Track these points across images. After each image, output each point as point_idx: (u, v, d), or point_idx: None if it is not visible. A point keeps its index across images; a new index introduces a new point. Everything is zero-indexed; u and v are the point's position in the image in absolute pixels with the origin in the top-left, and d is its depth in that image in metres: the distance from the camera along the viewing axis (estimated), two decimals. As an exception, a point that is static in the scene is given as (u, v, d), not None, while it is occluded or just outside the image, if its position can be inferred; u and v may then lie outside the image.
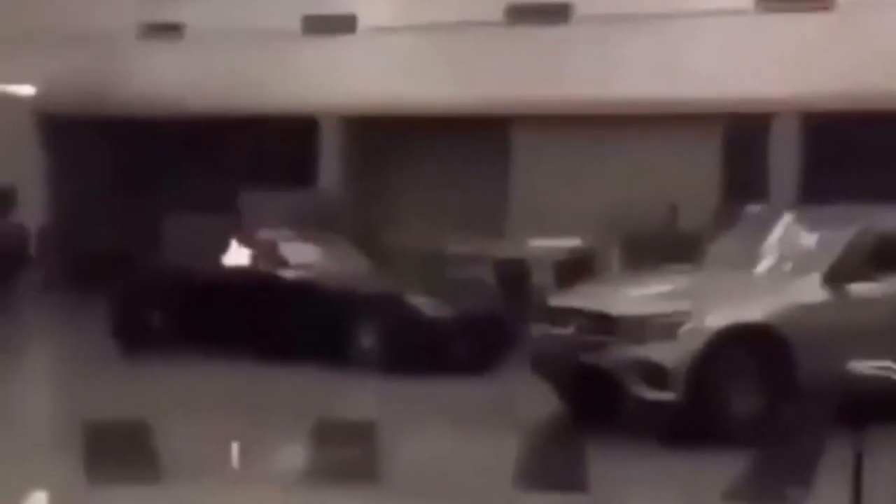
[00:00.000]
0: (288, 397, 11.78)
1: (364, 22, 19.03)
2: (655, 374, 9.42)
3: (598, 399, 9.99)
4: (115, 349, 13.89)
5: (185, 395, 11.83)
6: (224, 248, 14.53)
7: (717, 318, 9.54)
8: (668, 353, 9.40)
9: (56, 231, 20.76)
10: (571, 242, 15.74)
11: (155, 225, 16.82)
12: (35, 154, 21.58)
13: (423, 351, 12.82)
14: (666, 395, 9.39)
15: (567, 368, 10.08)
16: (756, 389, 9.52)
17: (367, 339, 13.05)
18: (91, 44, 20.42)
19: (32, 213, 20.04)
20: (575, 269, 14.29)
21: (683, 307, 9.68)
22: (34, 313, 18.83)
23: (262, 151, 19.85)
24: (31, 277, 19.16)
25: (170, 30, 20.51)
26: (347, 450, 8.88)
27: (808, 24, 15.98)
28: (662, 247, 13.57)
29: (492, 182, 18.02)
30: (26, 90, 20.90)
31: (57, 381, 13.72)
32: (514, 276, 15.30)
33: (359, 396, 12.35)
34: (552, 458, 9.30)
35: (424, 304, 13.17)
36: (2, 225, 18.94)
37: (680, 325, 9.48)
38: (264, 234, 14.74)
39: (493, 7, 17.84)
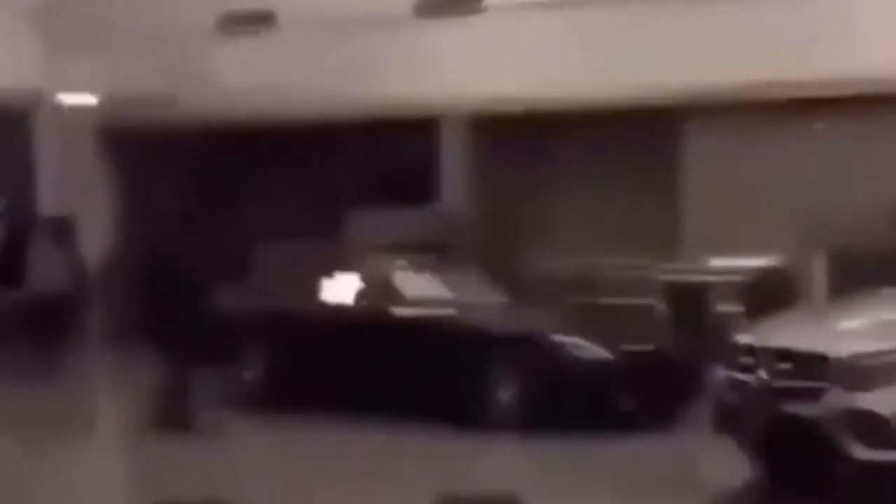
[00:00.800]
0: (406, 467, 11.81)
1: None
2: (878, 430, 9.18)
3: (803, 461, 9.75)
4: (191, 410, 13.91)
5: (275, 467, 11.97)
6: (325, 281, 14.63)
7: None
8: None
9: (121, 267, 21.00)
10: (764, 261, 15.38)
11: (241, 256, 16.91)
12: (98, 176, 21.87)
13: (576, 404, 12.65)
14: (892, 456, 9.15)
15: (762, 423, 9.89)
16: None
17: (505, 392, 12.96)
18: (165, 43, 20.68)
19: (93, 246, 20.29)
20: (768, 295, 14.06)
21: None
22: (95, 369, 19.18)
23: (371, 162, 20.04)
24: (91, 325, 19.46)
25: (259, 20, 20.63)
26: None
27: None
28: (882, 264, 13.25)
29: (660, 188, 17.87)
30: (88, 100, 21.14)
31: (125, 454, 13.79)
32: (691, 305, 15.13)
33: (496, 463, 12.34)
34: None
35: (577, 345, 13.06)
36: (57, 259, 19.24)
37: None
38: (374, 263, 14.79)
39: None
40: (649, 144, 17.92)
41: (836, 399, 9.33)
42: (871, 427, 9.17)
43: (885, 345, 9.43)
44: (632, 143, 18.07)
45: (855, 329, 9.99)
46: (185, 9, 20.80)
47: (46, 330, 18.21)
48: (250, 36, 20.68)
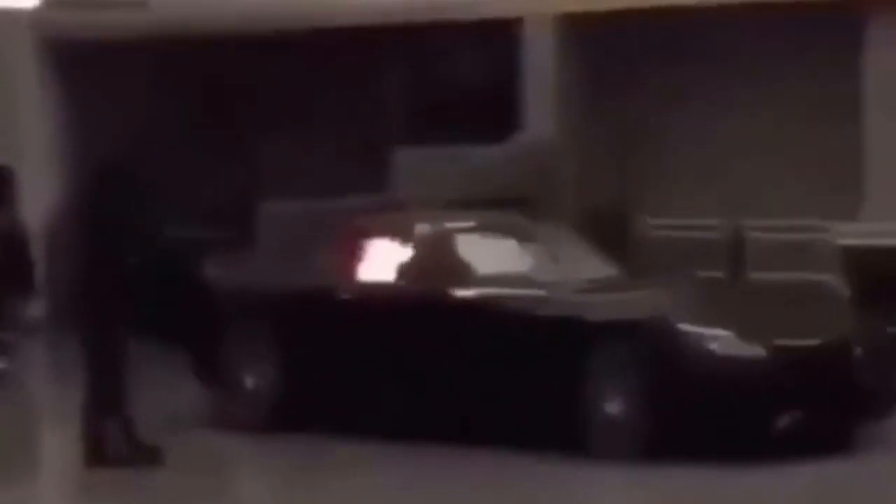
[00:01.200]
0: (488, 500, 11.94)
1: None
2: None
3: None
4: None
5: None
6: (359, 252, 14.61)
7: None
8: None
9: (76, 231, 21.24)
10: None
11: (237, 216, 17.01)
12: (39, 103, 22.06)
13: (715, 421, 12.69)
14: None
15: None
16: None
17: (614, 404, 12.97)
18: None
19: (36, 200, 20.50)
20: None
21: None
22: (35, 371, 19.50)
23: (425, 79, 20.17)
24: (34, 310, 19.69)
25: None
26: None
27: None
28: None
29: (833, 111, 17.90)
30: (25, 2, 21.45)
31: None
32: (880, 281, 14.86)
33: (604, 495, 12.41)
34: None
35: (717, 336, 12.97)
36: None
37: None
38: (431, 222, 14.87)
39: None
40: (817, 45, 18.07)
41: None
42: None
43: None
44: (790, 44, 18.28)
45: None
46: None
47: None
48: None
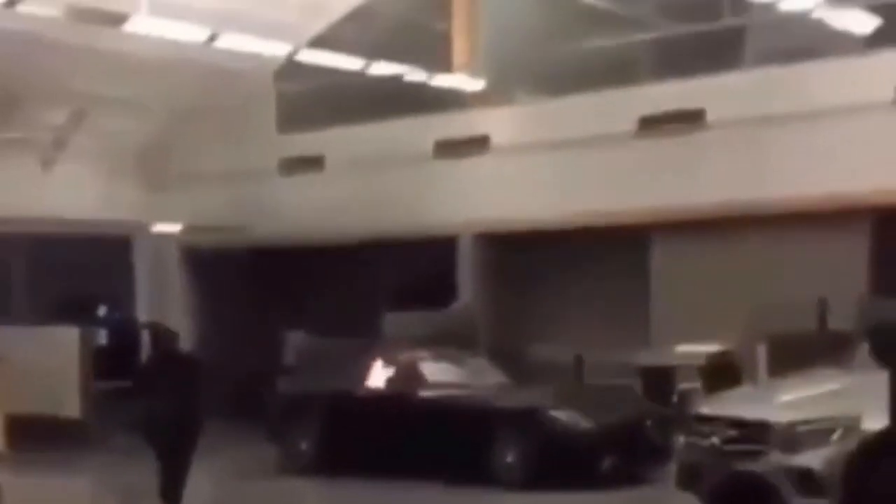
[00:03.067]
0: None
1: (496, 141, 18.88)
2: (812, 483, 8.94)
3: None
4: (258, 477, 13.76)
5: None
6: (367, 370, 14.37)
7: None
8: (824, 460, 8.90)
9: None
10: (717, 347, 15.17)
11: (299, 351, 16.79)
12: (184, 290, 21.92)
13: (567, 465, 12.44)
14: (820, 502, 8.85)
15: (717, 479, 9.60)
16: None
17: (510, 455, 12.73)
18: (236, 182, 20.76)
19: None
20: (721, 374, 13.76)
21: (837, 412, 9.16)
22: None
23: (402, 273, 19.82)
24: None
25: (311, 163, 20.72)
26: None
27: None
28: (811, 348, 12.96)
29: (632, 290, 17.49)
30: (174, 228, 21.24)
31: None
32: (659, 383, 14.82)
33: None
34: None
35: (567, 416, 12.82)
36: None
37: (834, 430, 9.02)
38: (405, 354, 14.55)
39: (625, 119, 17.50)
40: (624, 255, 17.64)
41: (778, 458, 9.12)
42: (806, 481, 8.94)
43: (815, 413, 9.23)
44: (610, 255, 17.82)
45: (791, 401, 9.71)
46: (250, 155, 20.97)
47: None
48: (304, 175, 20.80)
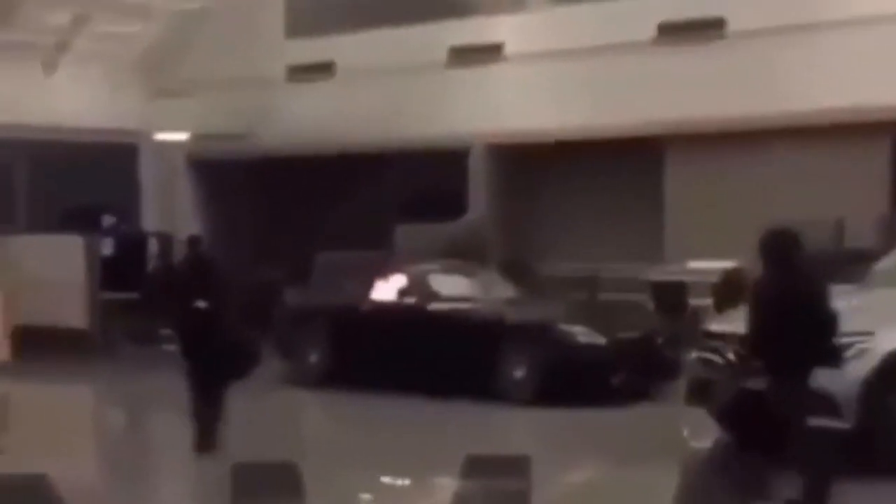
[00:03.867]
0: (439, 432, 11.69)
1: (510, 49, 18.76)
2: (824, 401, 8.96)
3: (762, 427, 9.35)
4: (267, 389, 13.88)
5: (334, 432, 11.97)
6: (376, 282, 14.41)
7: (890, 342, 8.99)
8: (836, 379, 8.90)
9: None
10: (730, 264, 15.20)
11: (308, 261, 16.84)
12: (190, 199, 21.96)
13: (577, 380, 12.50)
14: (836, 424, 9.01)
15: (726, 396, 9.65)
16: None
17: (519, 370, 12.77)
18: (241, 89, 20.67)
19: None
20: (734, 292, 13.75)
21: (853, 329, 9.10)
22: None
23: (413, 184, 19.84)
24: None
25: (320, 69, 20.61)
26: (501, 485, 8.59)
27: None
28: (828, 266, 12.97)
29: (646, 205, 17.58)
30: (181, 136, 21.18)
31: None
32: (671, 299, 14.90)
33: (512, 429, 12.14)
34: (714, 491, 8.88)
35: (578, 331, 12.85)
36: (163, 269, 19.30)
37: (850, 348, 9.00)
38: (415, 267, 14.55)
39: (644, 26, 17.36)
40: (638, 169, 17.65)
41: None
42: (819, 399, 8.85)
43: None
44: (623, 168, 17.84)
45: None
46: (257, 61, 20.86)
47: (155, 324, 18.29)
48: (313, 83, 20.70)
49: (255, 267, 19.48)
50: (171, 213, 21.25)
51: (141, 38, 21.20)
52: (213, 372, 10.49)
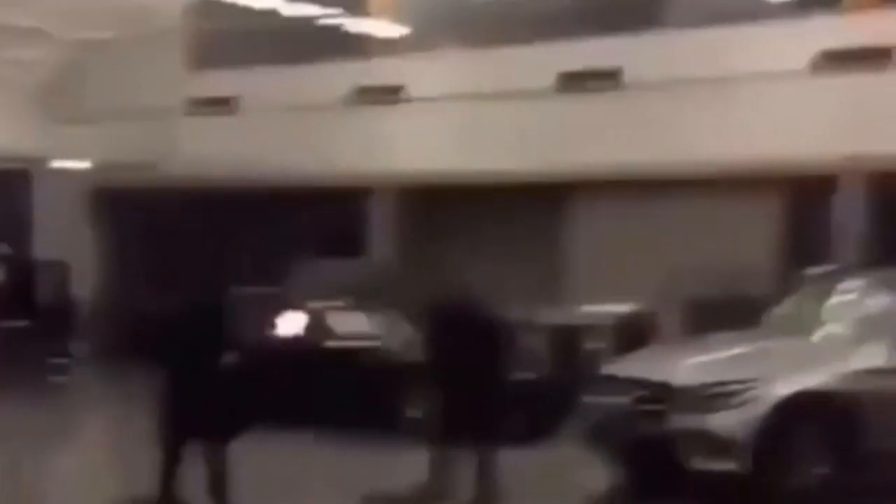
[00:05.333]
0: (337, 470, 11.65)
1: (413, 92, 18.88)
2: (717, 445, 9.20)
3: (657, 471, 9.74)
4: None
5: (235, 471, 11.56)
6: (276, 319, 14.29)
7: (781, 387, 9.32)
8: (730, 423, 9.18)
9: (108, 304, 20.81)
10: (627, 308, 15.39)
11: (207, 297, 16.58)
12: (89, 228, 21.63)
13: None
14: (728, 466, 9.16)
15: (624, 439, 9.86)
16: (821, 460, 9.22)
17: (416, 410, 12.60)
18: (143, 119, 20.49)
19: (84, 286, 20.02)
20: (631, 336, 13.95)
21: (745, 375, 9.44)
22: (84, 386, 18.80)
23: (315, 222, 19.76)
24: (81, 350, 19.23)
25: (221, 103, 20.53)
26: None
27: (865, 84, 15.57)
28: (722, 312, 13.26)
29: (547, 249, 17.81)
30: (79, 165, 20.92)
31: (97, 456, 13.50)
32: (568, 343, 14.93)
33: (409, 468, 11.93)
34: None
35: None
36: (55, 298, 19.02)
37: (742, 393, 9.28)
38: (314, 304, 14.45)
39: (543, 75, 17.62)
40: (538, 213, 17.87)
41: (684, 420, 9.31)
42: (711, 443, 9.16)
43: (723, 376, 9.44)
44: (524, 212, 18.03)
45: (699, 363, 9.90)
46: (158, 92, 20.67)
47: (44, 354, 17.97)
48: (218, 116, 20.58)
49: (151, 298, 19.19)
50: (69, 243, 20.88)
51: (41, 64, 20.92)
52: None
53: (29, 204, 21.41)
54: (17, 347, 17.65)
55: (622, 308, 15.28)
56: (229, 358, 13.43)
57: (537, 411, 12.84)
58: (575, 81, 17.43)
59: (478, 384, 11.15)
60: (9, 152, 19.92)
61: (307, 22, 18.78)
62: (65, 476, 12.02)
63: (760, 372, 9.44)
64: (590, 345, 14.79)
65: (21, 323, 18.00)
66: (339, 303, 14.62)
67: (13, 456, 13.11)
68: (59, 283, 19.08)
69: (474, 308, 10.65)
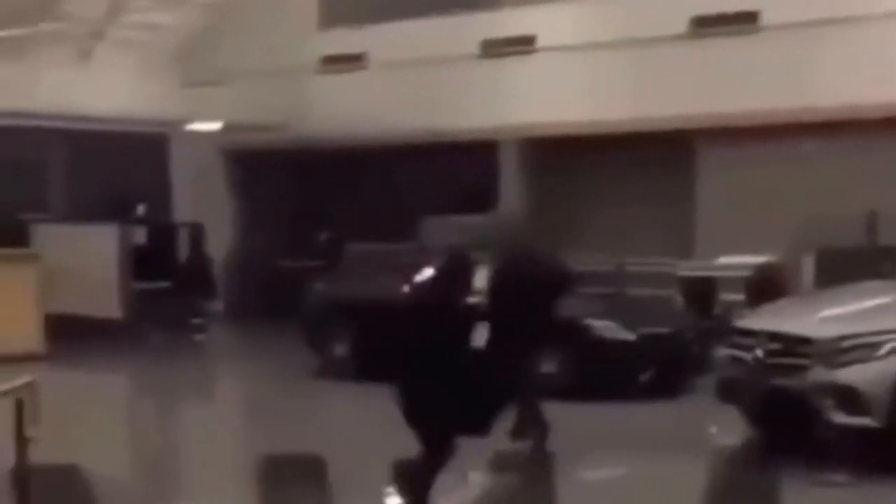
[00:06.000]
0: None
1: (542, 42, 18.71)
2: (854, 399, 9.02)
3: (791, 425, 9.54)
4: (292, 380, 13.90)
5: (360, 426, 11.80)
6: (406, 275, 14.35)
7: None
8: (868, 377, 8.98)
9: (241, 263, 21.19)
10: (761, 259, 15.10)
11: (337, 254, 16.82)
12: (221, 189, 22.02)
13: (606, 375, 12.47)
14: (865, 421, 9.01)
15: (757, 393, 9.69)
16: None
17: (548, 365, 12.49)
18: (274, 80, 20.71)
19: (218, 246, 20.42)
20: (766, 287, 13.72)
21: (883, 327, 9.16)
22: (218, 342, 19.28)
23: (443, 176, 19.75)
24: (217, 307, 19.68)
25: (353, 60, 20.63)
26: (523, 480, 8.56)
27: None
28: (860, 261, 12.94)
29: (678, 198, 17.49)
30: (213, 127, 21.25)
31: (237, 412, 13.81)
32: (702, 295, 14.80)
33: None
34: (742, 488, 8.80)
35: (608, 326, 12.79)
36: (193, 259, 19.46)
37: (880, 346, 9.04)
38: (444, 260, 14.39)
39: (677, 19, 17.28)
40: (668, 162, 17.58)
41: (819, 373, 9.14)
42: (848, 397, 8.98)
43: (860, 328, 9.21)
44: (654, 162, 17.75)
45: (835, 315, 9.69)
46: (291, 51, 20.89)
47: (181, 312, 18.46)
48: (346, 73, 20.71)
49: (285, 256, 19.56)
50: (203, 204, 21.31)
51: (175, 27, 21.28)
52: None
53: (166, 166, 21.84)
54: (160, 307, 18.18)
55: (756, 259, 15.04)
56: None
57: (671, 365, 12.72)
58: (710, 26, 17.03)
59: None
60: (147, 116, 20.32)
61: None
62: (206, 432, 12.32)
63: (898, 324, 9.16)
64: (724, 296, 14.63)
65: (163, 284, 18.50)
66: (469, 258, 14.57)
67: (160, 412, 13.56)
68: (196, 244, 19.49)
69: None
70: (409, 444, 10.70)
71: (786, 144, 16.36)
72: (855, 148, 15.74)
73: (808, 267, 14.47)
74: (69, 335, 16.08)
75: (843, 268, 12.93)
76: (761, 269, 14.95)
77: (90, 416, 12.66)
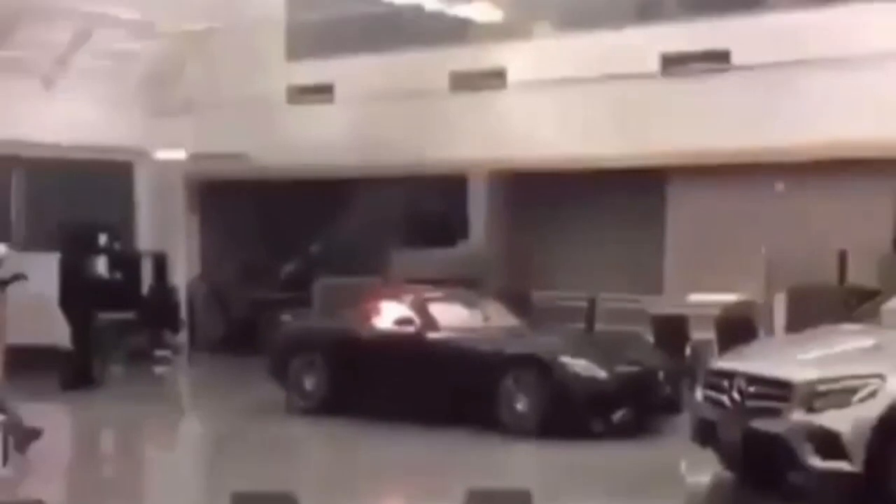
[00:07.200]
0: (439, 464, 11.51)
1: (513, 77, 18.66)
2: (832, 443, 8.88)
3: (768, 468, 9.49)
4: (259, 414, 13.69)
5: (332, 462, 11.67)
6: (373, 309, 14.19)
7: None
8: (847, 421, 8.86)
9: (205, 293, 20.94)
10: (733, 297, 15.06)
11: (303, 286, 16.68)
12: (185, 219, 21.80)
13: (580, 414, 12.33)
14: (843, 466, 8.87)
15: (734, 436, 9.56)
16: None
17: (521, 403, 12.56)
18: (241, 110, 20.56)
19: (182, 276, 20.18)
20: (737, 326, 13.66)
21: (862, 371, 9.05)
22: (185, 375, 19.02)
23: (411, 209, 19.73)
24: (181, 338, 19.44)
25: (320, 91, 20.50)
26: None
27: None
28: (830, 300, 12.92)
29: (648, 235, 17.46)
30: (178, 156, 21.03)
31: (208, 447, 13.55)
32: (673, 333, 14.71)
33: (513, 463, 11.93)
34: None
35: (580, 365, 12.61)
36: (158, 289, 19.23)
37: (859, 390, 8.94)
38: (414, 293, 14.32)
39: (647, 58, 17.27)
40: (640, 199, 17.55)
41: (796, 417, 9.03)
42: (824, 441, 8.87)
43: (837, 372, 9.13)
44: (625, 198, 17.73)
45: (812, 358, 9.63)
46: (258, 81, 20.72)
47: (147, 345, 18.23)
48: (314, 104, 20.57)
49: (251, 288, 19.34)
50: (168, 233, 21.05)
51: (141, 56, 21.07)
52: None
53: (131, 196, 21.56)
54: (124, 338, 17.90)
55: (728, 297, 15.01)
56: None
57: (644, 403, 12.62)
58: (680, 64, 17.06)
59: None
60: (112, 144, 20.06)
61: (402, 9, 18.59)
62: (168, 467, 12.06)
63: (879, 367, 9.07)
64: (696, 335, 14.59)
65: (126, 314, 18.22)
66: (439, 293, 14.48)
67: (119, 447, 13.26)
68: (159, 274, 19.25)
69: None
70: (379, 480, 10.61)
71: (757, 183, 16.37)
72: (825, 188, 15.76)
73: (779, 305, 14.40)
74: (21, 366, 15.66)
75: (813, 306, 12.92)
76: (732, 308, 14.90)
77: (47, 450, 12.33)
